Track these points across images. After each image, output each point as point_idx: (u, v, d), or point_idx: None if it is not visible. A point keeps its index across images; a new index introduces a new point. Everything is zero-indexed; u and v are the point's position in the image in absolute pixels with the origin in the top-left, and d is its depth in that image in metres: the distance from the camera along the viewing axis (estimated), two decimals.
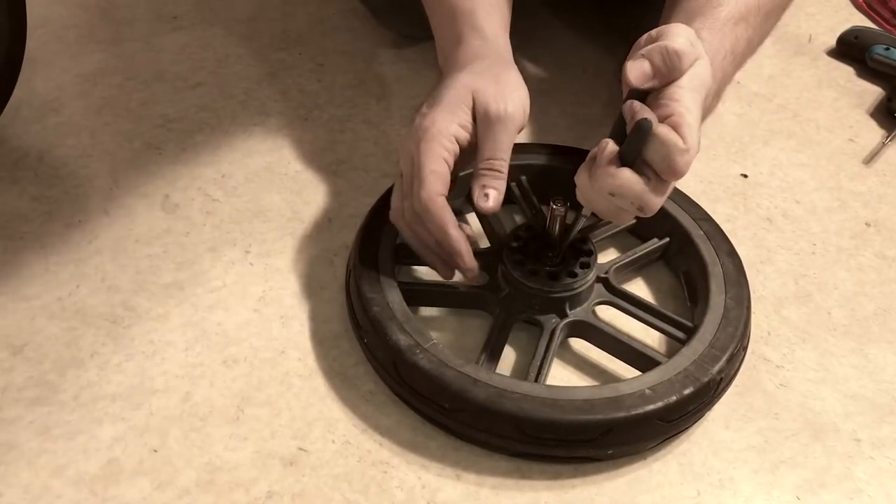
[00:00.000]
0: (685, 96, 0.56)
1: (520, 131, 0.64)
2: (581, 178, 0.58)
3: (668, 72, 0.56)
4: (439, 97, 0.64)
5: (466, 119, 0.63)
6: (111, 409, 0.62)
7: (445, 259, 0.65)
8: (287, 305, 0.70)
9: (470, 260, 0.63)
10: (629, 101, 0.58)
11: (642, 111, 0.56)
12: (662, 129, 0.55)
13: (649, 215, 0.58)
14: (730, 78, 0.68)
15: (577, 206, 0.62)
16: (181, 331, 0.68)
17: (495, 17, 0.68)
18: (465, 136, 0.63)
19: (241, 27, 1.02)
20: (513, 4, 0.73)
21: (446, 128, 0.62)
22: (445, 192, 0.61)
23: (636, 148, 0.55)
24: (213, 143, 0.85)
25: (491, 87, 0.63)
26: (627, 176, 0.56)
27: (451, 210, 0.62)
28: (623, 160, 0.56)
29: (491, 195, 0.61)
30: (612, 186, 0.56)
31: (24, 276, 0.71)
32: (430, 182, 0.61)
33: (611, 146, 0.56)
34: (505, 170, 0.62)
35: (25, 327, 0.67)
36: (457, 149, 0.63)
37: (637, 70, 0.57)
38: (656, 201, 0.57)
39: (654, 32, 0.58)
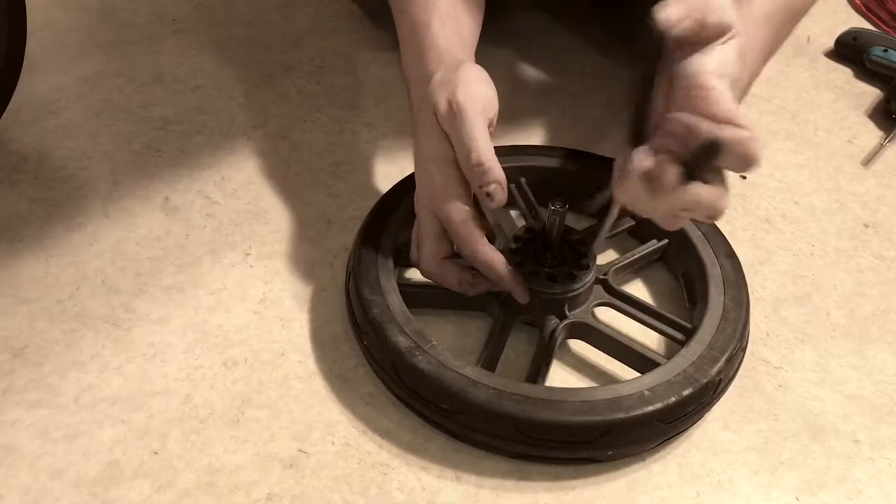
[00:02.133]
0: (718, 84, 0.53)
1: (492, 120, 0.62)
2: (635, 194, 0.56)
3: (703, 17, 0.53)
4: (419, 142, 0.63)
5: (446, 145, 0.62)
6: (111, 412, 0.62)
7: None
8: (287, 307, 0.70)
9: (525, 293, 0.64)
10: (677, 116, 0.54)
11: (699, 128, 0.52)
12: (727, 132, 0.52)
13: (720, 219, 0.57)
14: (756, 75, 0.66)
15: (577, 208, 0.62)
16: (181, 333, 0.68)
17: (450, 27, 0.67)
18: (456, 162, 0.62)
19: (241, 30, 1.02)
20: (497, 6, 0.72)
21: (447, 178, 0.62)
22: (483, 235, 0.62)
23: (708, 164, 0.53)
24: (212, 146, 0.85)
25: (443, 93, 0.61)
26: (700, 191, 0.54)
27: (497, 251, 0.63)
28: (689, 176, 0.54)
29: (493, 193, 0.60)
30: (688, 203, 0.54)
31: (24, 279, 0.71)
32: (466, 231, 0.61)
33: (673, 169, 0.53)
34: (490, 159, 0.60)
35: (26, 330, 0.67)
36: (464, 185, 0.62)
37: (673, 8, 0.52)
38: (727, 201, 0.56)
39: None
